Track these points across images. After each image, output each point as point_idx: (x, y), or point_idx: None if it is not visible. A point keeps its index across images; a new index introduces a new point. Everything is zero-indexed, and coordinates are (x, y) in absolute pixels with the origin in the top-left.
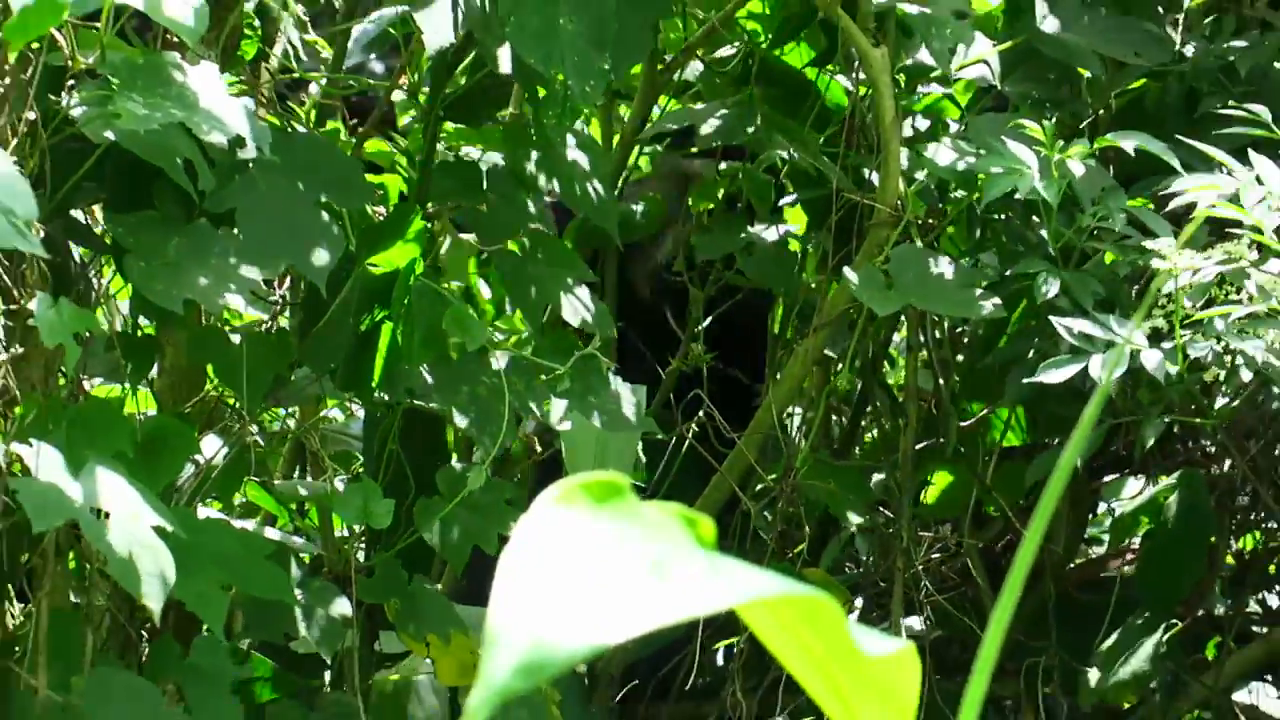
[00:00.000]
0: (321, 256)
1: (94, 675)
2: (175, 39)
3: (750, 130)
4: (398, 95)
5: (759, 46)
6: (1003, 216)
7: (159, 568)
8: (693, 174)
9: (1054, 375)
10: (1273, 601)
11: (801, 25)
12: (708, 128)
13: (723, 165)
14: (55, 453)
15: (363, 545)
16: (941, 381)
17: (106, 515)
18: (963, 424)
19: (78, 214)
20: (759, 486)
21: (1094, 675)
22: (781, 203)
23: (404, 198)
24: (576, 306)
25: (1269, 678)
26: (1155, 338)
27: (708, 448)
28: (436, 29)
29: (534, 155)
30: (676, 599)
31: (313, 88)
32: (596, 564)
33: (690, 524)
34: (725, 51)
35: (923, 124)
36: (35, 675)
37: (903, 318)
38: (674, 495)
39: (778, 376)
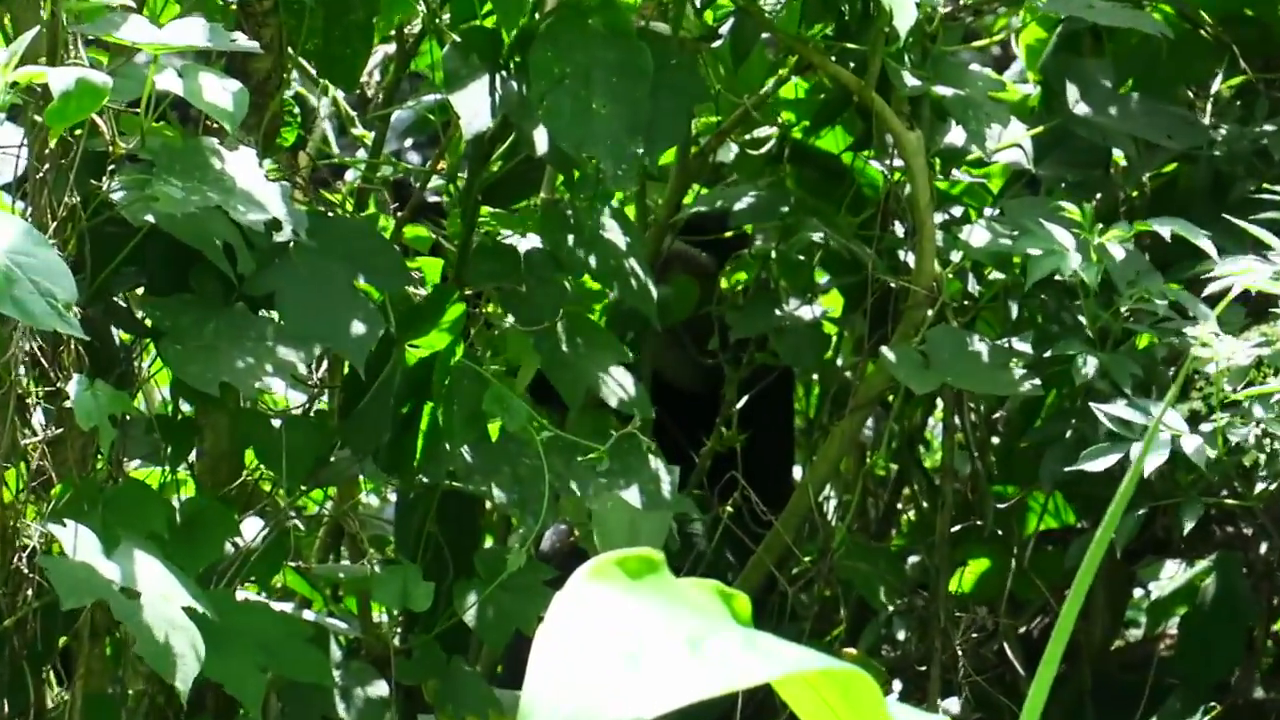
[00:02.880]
0: (361, 338)
1: None
2: (215, 124)
3: (783, 210)
4: (436, 181)
5: (794, 131)
6: (1040, 298)
7: (190, 649)
8: (699, 266)
9: (1094, 464)
10: None
11: (837, 110)
12: (740, 205)
13: (742, 251)
14: (89, 533)
15: (400, 627)
16: (978, 463)
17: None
18: (999, 506)
19: (119, 299)
20: (796, 569)
21: None
22: (816, 286)
23: (444, 280)
24: (615, 388)
25: None
26: (1194, 420)
27: (743, 529)
28: (473, 113)
29: (571, 238)
30: (713, 674)
31: (351, 174)
32: (632, 638)
33: (726, 599)
34: (760, 133)
35: (958, 209)
36: None
37: (939, 399)
38: (712, 575)
39: (814, 459)
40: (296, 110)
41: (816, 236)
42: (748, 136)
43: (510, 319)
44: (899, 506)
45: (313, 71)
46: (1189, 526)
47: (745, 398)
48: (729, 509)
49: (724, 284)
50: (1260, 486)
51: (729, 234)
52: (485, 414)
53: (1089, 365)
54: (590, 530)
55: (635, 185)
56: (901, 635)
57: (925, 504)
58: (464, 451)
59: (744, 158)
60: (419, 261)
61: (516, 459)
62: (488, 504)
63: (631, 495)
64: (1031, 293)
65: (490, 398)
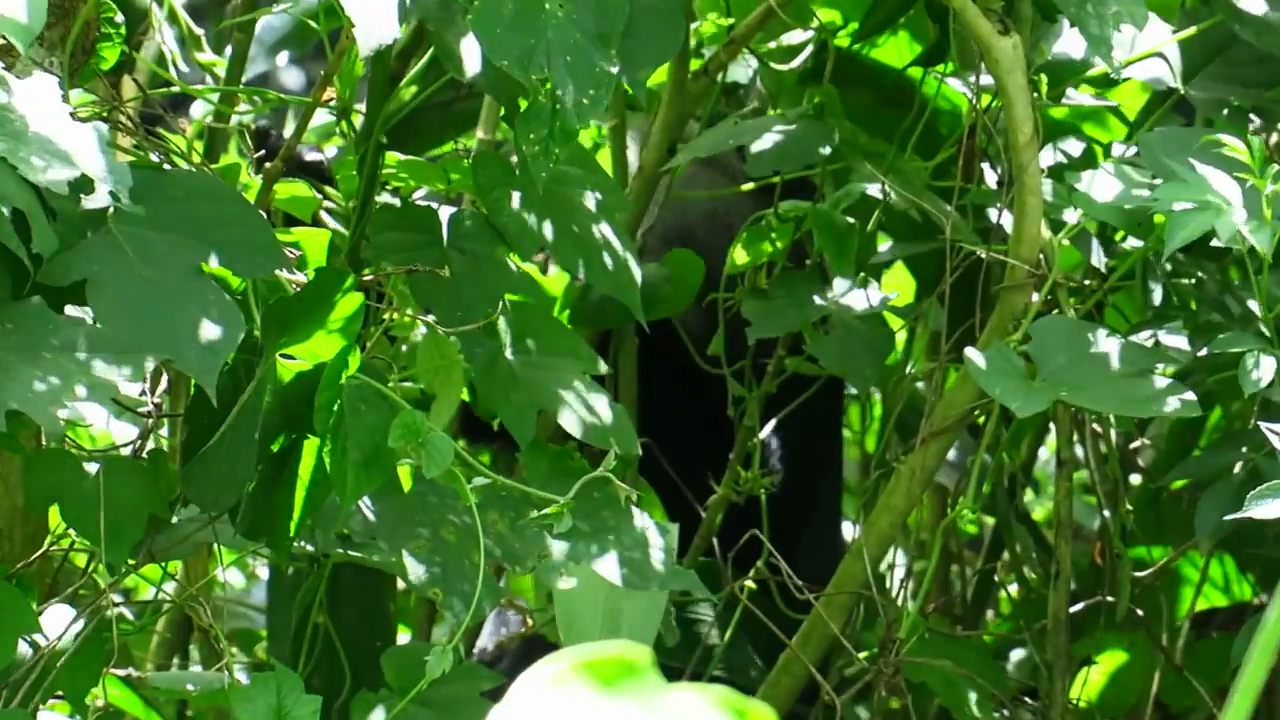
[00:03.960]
0: (211, 346)
1: None
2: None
3: (825, 152)
4: (322, 116)
5: (839, 38)
6: (1194, 275)
7: None
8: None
9: (1267, 508)
10: None
11: (899, 8)
12: (762, 145)
13: (785, 204)
14: None
15: None
16: (1108, 514)
17: None
18: (1140, 575)
19: None
20: (847, 668)
21: None
22: (873, 259)
23: (332, 261)
24: (582, 412)
25: None
26: None
27: (770, 611)
28: (373, 19)
29: (515, 196)
30: None
31: (199, 107)
32: None
33: (743, 717)
34: (791, 39)
35: (1074, 146)
36: None
37: (1051, 423)
38: (725, 680)
39: (872, 510)
40: (119, 18)
41: (872, 189)
42: (772, 45)
43: (428, 316)
44: (995, 578)
45: None
46: None
47: (772, 423)
48: (750, 583)
49: (738, 259)
50: None
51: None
52: (393, 453)
53: (1264, 369)
54: (549, 618)
55: (610, 119)
56: None
57: (1033, 574)
58: (363, 507)
59: (767, 76)
60: (296, 234)
61: (439, 517)
62: (399, 582)
63: (608, 567)
64: (1180, 267)
65: (400, 429)
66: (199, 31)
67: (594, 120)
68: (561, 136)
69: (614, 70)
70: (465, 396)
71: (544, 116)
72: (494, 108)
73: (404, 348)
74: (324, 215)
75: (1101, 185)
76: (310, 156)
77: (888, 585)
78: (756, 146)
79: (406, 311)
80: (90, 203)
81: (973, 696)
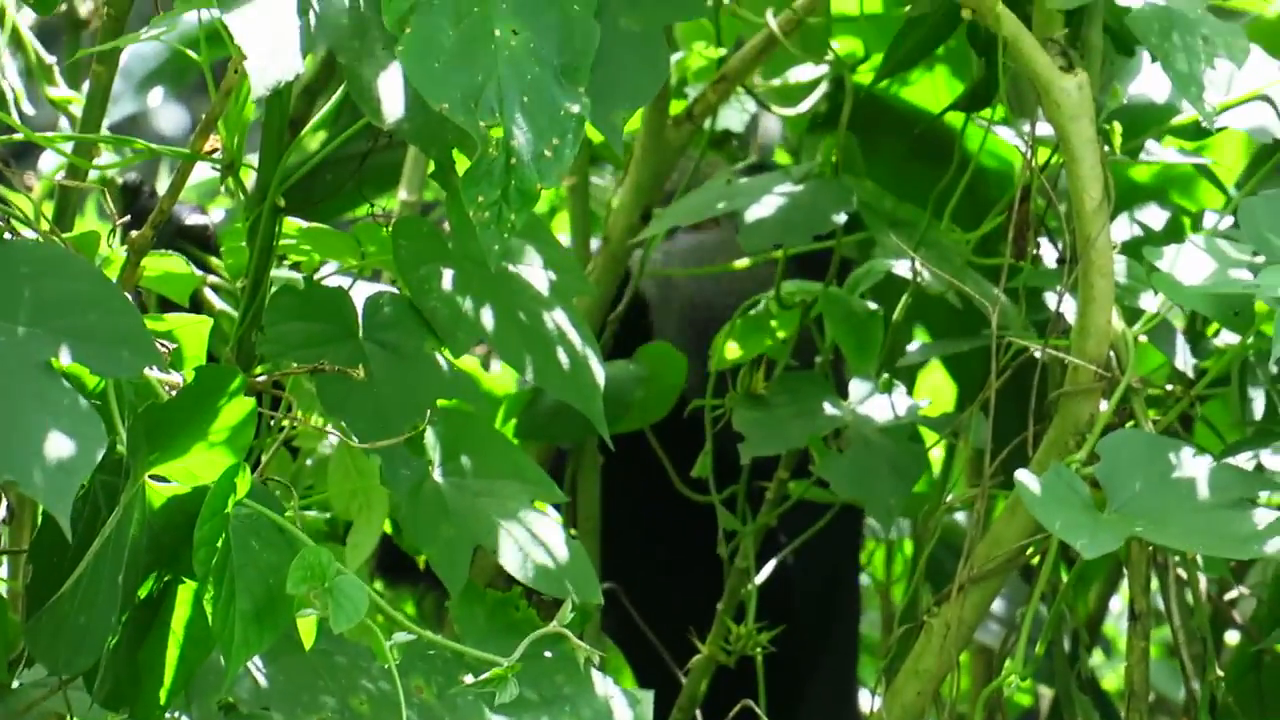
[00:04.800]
0: (63, 465)
1: None
2: None
3: (840, 220)
4: (205, 171)
5: (859, 73)
6: None
7: None
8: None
9: None
10: None
11: (935, 37)
12: (759, 212)
13: (789, 285)
14: None
15: None
16: (1195, 683)
17: None
18: None
19: None
20: None
21: None
22: (902, 361)
23: (215, 358)
24: (530, 549)
25: None
26: None
27: None
28: (269, 49)
29: (447, 275)
30: None
31: (49, 159)
32: None
33: None
34: (799, 75)
35: (1155, 215)
36: None
37: (1124, 566)
38: None
39: (896, 675)
40: None
41: (900, 267)
42: (775, 83)
43: (337, 428)
44: None
45: None
46: None
47: (771, 564)
48: None
49: (728, 354)
50: None
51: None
52: (291, 601)
53: None
54: None
55: (568, 177)
56: None
57: None
58: (253, 668)
59: (788, 125)
60: (170, 321)
61: (349, 682)
62: None
63: None
64: None
65: (300, 571)
66: (50, 60)
67: (555, 179)
68: (518, 199)
69: (577, 111)
70: (388, 527)
71: (495, 174)
72: (420, 161)
73: (309, 462)
74: (209, 295)
75: (1189, 264)
76: (192, 220)
77: None
78: (753, 213)
79: (310, 420)
80: None
81: None
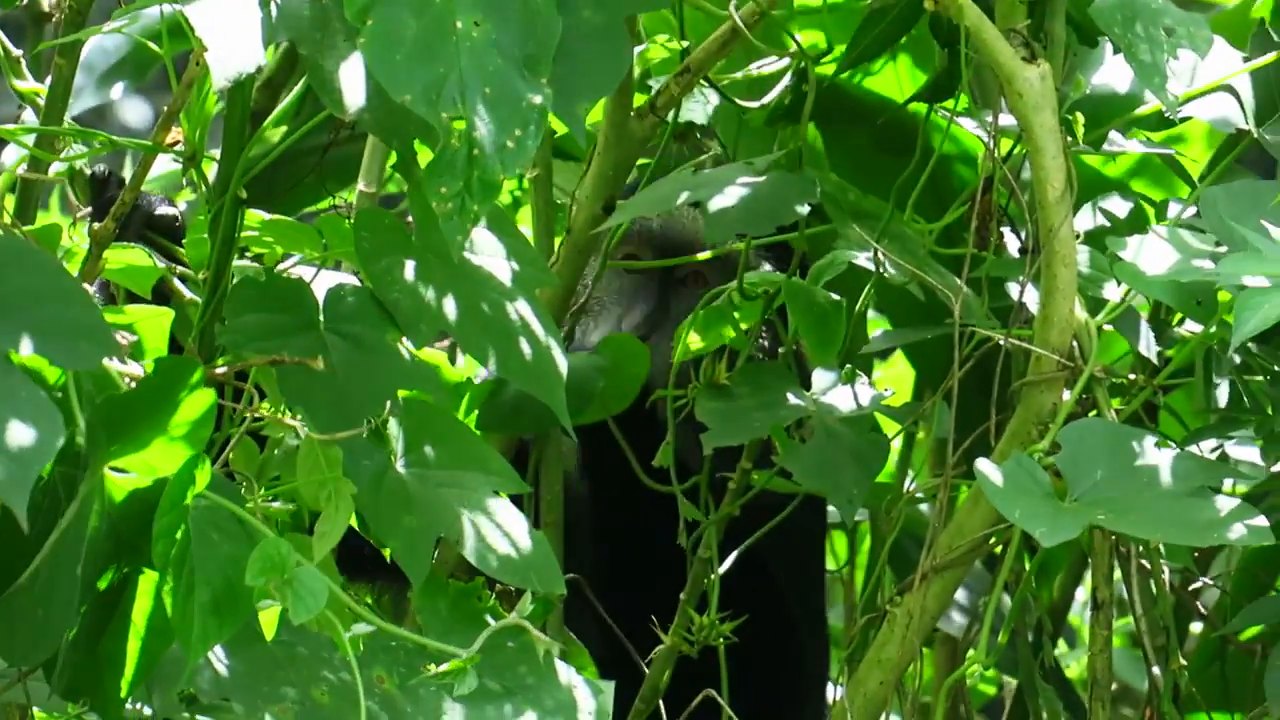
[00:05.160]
0: (22, 456)
1: None
2: None
3: (803, 211)
4: (166, 164)
5: (822, 65)
6: (1269, 372)
7: None
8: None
9: None
10: None
11: (898, 28)
12: (723, 201)
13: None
14: None
15: None
16: (1158, 671)
17: None
18: None
19: None
20: None
21: None
22: (864, 349)
23: (176, 349)
24: (492, 540)
25: None
26: None
27: None
28: (231, 42)
29: (409, 266)
30: None
31: (10, 153)
32: None
33: None
34: (763, 67)
35: (1119, 206)
36: None
37: (1087, 556)
38: None
39: (859, 663)
40: None
41: (862, 259)
42: (738, 75)
43: (299, 418)
44: None
45: None
46: None
47: (734, 555)
48: None
49: (691, 345)
50: None
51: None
52: (251, 593)
53: None
54: None
55: (531, 168)
56: None
57: None
58: (214, 659)
59: (731, 114)
60: (132, 313)
61: (310, 673)
62: None
63: None
64: (1252, 359)
65: (260, 563)
66: (16, 53)
67: (517, 170)
68: (481, 190)
69: (538, 102)
70: (355, 521)
71: (458, 165)
72: (378, 152)
73: (277, 452)
74: (178, 285)
75: (1152, 254)
76: (161, 210)
77: None
78: (716, 203)
79: (275, 412)
80: None
81: None
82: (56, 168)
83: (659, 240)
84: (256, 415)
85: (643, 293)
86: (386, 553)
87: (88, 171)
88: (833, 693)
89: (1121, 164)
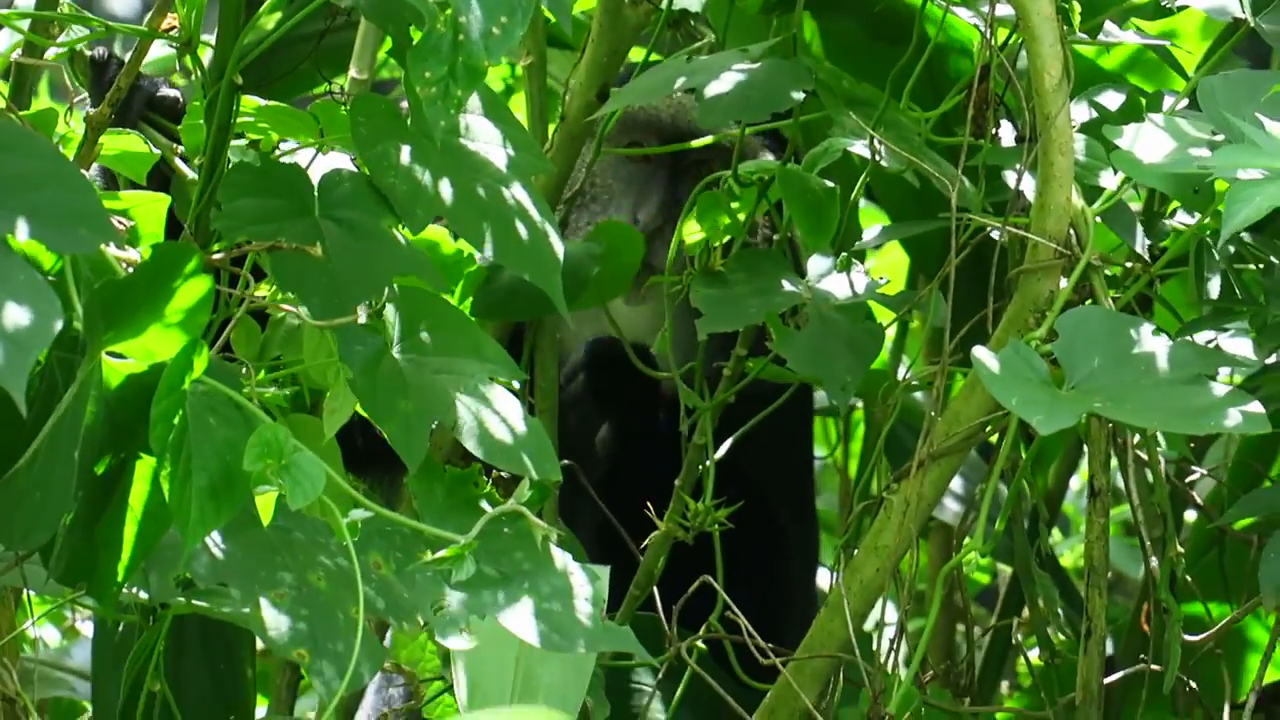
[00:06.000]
0: (19, 339)
1: None
2: None
3: (798, 96)
4: (160, 49)
5: None
6: (1262, 263)
7: None
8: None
9: None
10: None
11: None
12: (718, 87)
13: (747, 164)
14: None
15: None
16: (1155, 561)
17: None
18: (1192, 638)
19: None
20: None
21: None
22: (861, 243)
23: (173, 232)
24: (489, 426)
25: None
26: None
27: (726, 678)
28: None
29: (405, 151)
30: None
31: (4, 37)
32: None
33: None
34: None
35: (1114, 99)
36: None
37: (1083, 443)
38: None
39: (855, 552)
40: None
41: (857, 146)
42: None
43: (296, 305)
44: (1012, 640)
45: None
46: None
47: (729, 442)
48: (700, 644)
49: (687, 235)
50: None
51: (705, 141)
52: (248, 478)
53: None
54: (446, 687)
55: (522, 54)
56: None
57: (1060, 635)
58: (211, 544)
59: (723, 2)
60: (128, 199)
61: (307, 558)
62: (258, 640)
63: (521, 622)
64: (1246, 249)
65: (258, 447)
66: None
67: (506, 56)
68: (465, 76)
69: None
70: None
71: (443, 50)
72: (371, 38)
73: (280, 331)
74: (180, 165)
75: (1148, 143)
76: (164, 92)
77: (874, 648)
78: (711, 89)
79: (265, 296)
80: None
81: None
82: (53, 53)
83: (669, 130)
84: (257, 296)
85: (653, 182)
86: (380, 444)
87: (88, 54)
88: (829, 579)
89: (1115, 57)
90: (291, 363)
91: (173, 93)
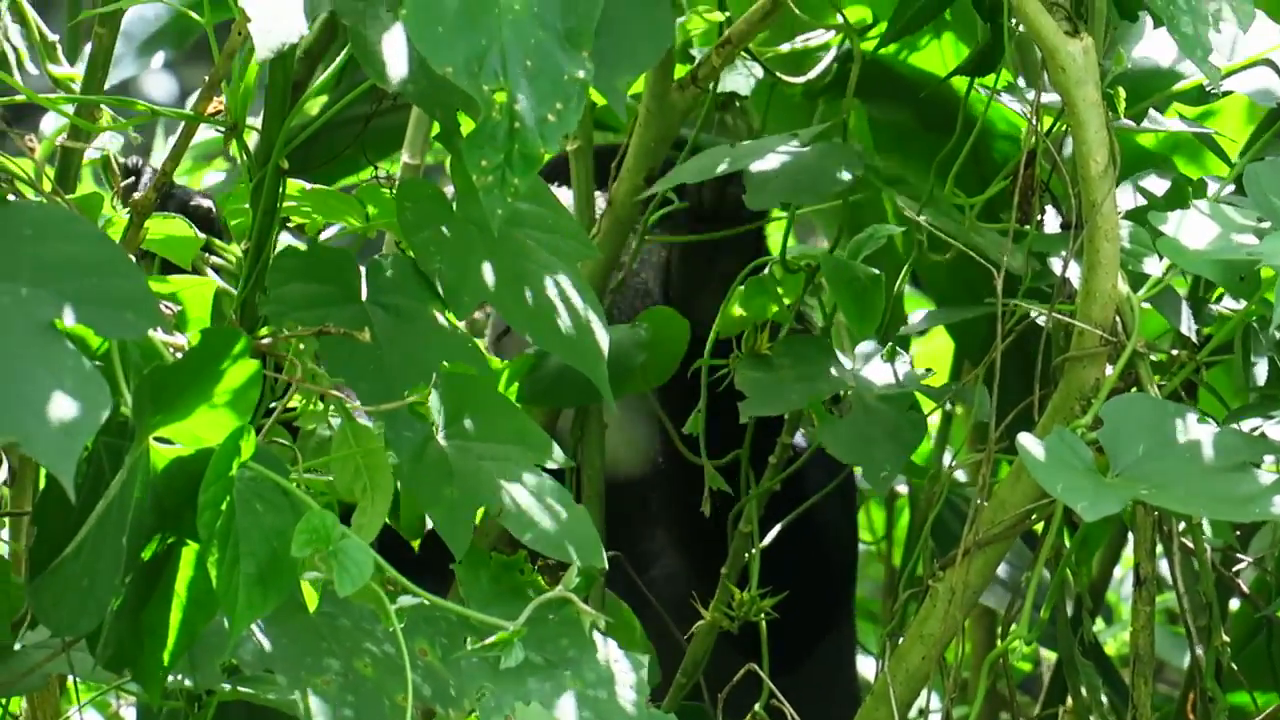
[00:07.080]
0: (67, 426)
1: None
2: None
3: (843, 178)
4: (205, 133)
5: (865, 40)
6: None
7: None
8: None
9: None
10: None
11: (941, 4)
12: (761, 166)
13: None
14: None
15: None
16: (1200, 649)
17: None
18: None
19: None
20: None
21: None
22: (906, 329)
23: (220, 319)
24: (534, 513)
25: None
26: None
27: None
28: (274, 11)
29: (451, 237)
30: None
31: (50, 121)
32: None
33: None
34: (806, 41)
35: (1159, 184)
36: None
37: (1129, 531)
38: None
39: (899, 640)
40: None
41: (900, 229)
42: (783, 48)
43: (343, 392)
44: None
45: None
46: None
47: (776, 529)
48: None
49: (732, 317)
50: None
51: (752, 225)
52: (295, 564)
53: None
54: None
55: (574, 140)
56: None
57: None
58: (257, 631)
59: (772, 88)
60: (174, 284)
61: (354, 645)
62: None
63: (566, 710)
64: None
65: (305, 534)
66: (52, 37)
67: (557, 141)
68: (521, 163)
69: (583, 75)
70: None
71: (499, 137)
72: (423, 123)
73: (311, 444)
74: (210, 272)
75: (1194, 230)
76: (196, 201)
77: None
78: (759, 168)
79: (311, 385)
80: None
81: None
82: (99, 139)
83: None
84: (288, 407)
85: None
86: (415, 544)
87: (120, 160)
88: (875, 667)
89: (1162, 140)
90: (324, 473)
91: (206, 203)
